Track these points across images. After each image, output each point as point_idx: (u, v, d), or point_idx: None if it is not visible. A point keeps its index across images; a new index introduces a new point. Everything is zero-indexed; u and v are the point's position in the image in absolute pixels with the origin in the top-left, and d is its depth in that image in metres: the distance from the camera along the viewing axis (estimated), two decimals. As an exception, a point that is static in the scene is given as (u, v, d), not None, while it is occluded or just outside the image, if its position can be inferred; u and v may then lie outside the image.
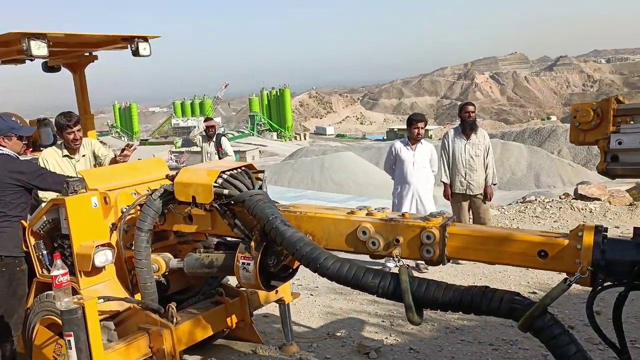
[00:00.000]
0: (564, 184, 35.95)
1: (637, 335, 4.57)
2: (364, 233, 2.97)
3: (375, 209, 3.12)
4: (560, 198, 10.66)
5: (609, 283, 2.55)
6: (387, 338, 4.69)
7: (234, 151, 10.71)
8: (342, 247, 3.08)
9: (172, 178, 3.56)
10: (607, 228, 2.64)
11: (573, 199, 10.05)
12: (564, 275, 2.56)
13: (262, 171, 3.64)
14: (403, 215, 3.00)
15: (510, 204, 11.71)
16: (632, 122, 2.54)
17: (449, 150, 7.22)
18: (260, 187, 3.48)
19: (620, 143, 2.52)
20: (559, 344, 2.48)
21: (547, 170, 40.80)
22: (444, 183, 7.25)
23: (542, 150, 45.48)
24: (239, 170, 3.51)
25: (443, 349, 4.44)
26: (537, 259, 2.68)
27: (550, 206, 9.86)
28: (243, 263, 3.27)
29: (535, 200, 10.84)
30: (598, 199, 9.65)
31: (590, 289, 2.57)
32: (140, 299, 3.57)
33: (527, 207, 10.08)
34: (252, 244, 3.25)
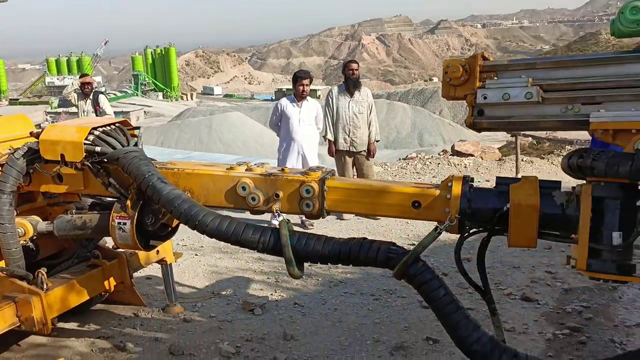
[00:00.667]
0: (444, 142, 37.85)
1: (501, 278, 4.96)
2: (244, 189, 2.94)
3: (254, 164, 3.09)
4: (439, 155, 11.23)
5: (475, 230, 2.72)
6: (272, 294, 4.74)
7: (117, 112, 10.19)
8: (221, 203, 3.04)
9: (37, 135, 3.31)
10: (473, 178, 2.80)
11: (450, 155, 10.64)
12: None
13: (138, 127, 3.48)
14: (282, 170, 3.00)
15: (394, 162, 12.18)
16: (495, 78, 2.69)
17: (333, 108, 7.30)
18: (136, 144, 3.33)
19: (485, 98, 2.64)
20: (429, 289, 2.62)
21: (429, 129, 42.73)
22: (328, 140, 7.35)
23: (425, 111, 47.49)
24: (113, 126, 3.32)
25: (327, 302, 4.57)
26: (412, 210, 2.79)
27: (430, 162, 10.37)
28: (119, 223, 3.13)
29: (416, 157, 11.35)
30: (472, 155, 10.28)
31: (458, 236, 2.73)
32: (4, 266, 3.33)
33: (408, 164, 10.53)
34: (128, 202, 3.11)
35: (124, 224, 3.11)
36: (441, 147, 28.98)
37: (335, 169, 7.36)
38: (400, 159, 12.54)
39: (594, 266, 2.42)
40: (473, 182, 2.76)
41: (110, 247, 3.78)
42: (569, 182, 2.68)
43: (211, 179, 3.03)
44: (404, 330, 4.01)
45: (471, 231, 2.74)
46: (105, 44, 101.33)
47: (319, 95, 53.75)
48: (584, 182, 2.48)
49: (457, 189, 2.66)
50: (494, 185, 2.70)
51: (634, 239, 2.36)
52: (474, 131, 2.84)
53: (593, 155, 2.38)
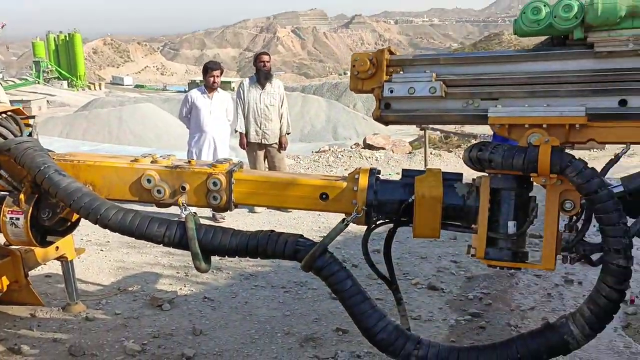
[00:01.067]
0: (358, 135, 38.48)
1: (409, 268, 5.11)
2: (149, 181, 2.84)
3: (160, 156, 3.00)
4: (351, 148, 11.40)
5: (381, 221, 2.78)
6: (181, 289, 4.63)
7: (16, 100, 9.58)
8: (125, 196, 2.92)
9: None
10: (380, 171, 2.85)
11: (362, 148, 10.83)
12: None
13: (33, 117, 3.27)
14: (189, 162, 2.92)
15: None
16: (401, 72, 2.74)
17: (244, 100, 7.22)
18: (30, 134, 3.13)
19: (392, 91, 2.69)
20: (336, 280, 2.64)
21: (343, 123, 43.28)
22: (239, 132, 7.26)
23: (339, 104, 48.04)
24: (4, 115, 3.11)
25: (237, 295, 4.52)
26: (319, 202, 2.80)
27: (342, 155, 10.51)
28: (11, 218, 2.93)
29: (329, 150, 11.48)
30: (383, 148, 10.52)
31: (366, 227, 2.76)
32: None
33: (320, 157, 10.62)
34: (22, 196, 2.93)
35: (17, 219, 2.92)
36: (355, 140, 29.46)
37: (247, 162, 7.30)
38: (313, 151, 12.62)
39: (491, 254, 2.53)
40: (380, 174, 2.81)
41: (2, 244, 3.54)
42: (472, 174, 2.78)
43: (114, 171, 2.91)
44: (314, 322, 4.04)
45: (378, 222, 2.79)
46: (2, 27, 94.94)
47: (233, 88, 53.08)
48: (484, 174, 2.58)
49: (363, 181, 2.70)
50: (400, 177, 2.76)
51: (527, 227, 2.49)
52: (374, 120, 2.89)
53: (491, 149, 2.48)
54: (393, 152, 10.37)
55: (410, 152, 10.48)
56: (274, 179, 2.93)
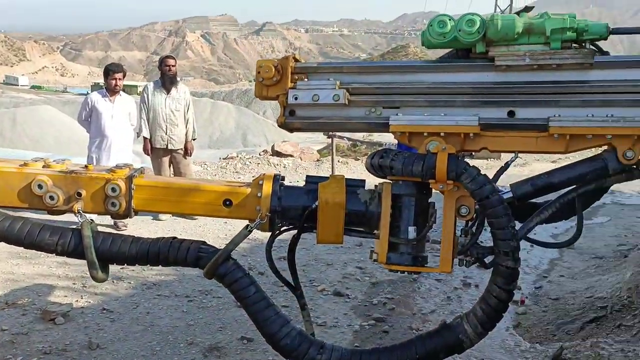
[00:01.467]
0: (268, 142, 38.48)
1: (315, 275, 5.14)
2: (40, 187, 2.67)
3: (54, 161, 2.84)
4: (259, 155, 11.37)
5: (285, 227, 2.78)
6: (77, 301, 4.40)
7: None
8: (13, 203, 2.72)
9: None
10: (284, 177, 2.85)
11: (271, 155, 10.82)
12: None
13: None
14: (86, 167, 2.79)
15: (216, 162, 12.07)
16: (306, 80, 2.76)
17: (148, 104, 7.00)
18: None
19: (296, 98, 2.70)
20: (239, 287, 2.60)
21: (253, 129, 43.17)
22: (143, 137, 7.03)
23: (249, 111, 47.89)
24: None
25: (139, 306, 4.36)
26: (223, 208, 2.75)
27: (250, 162, 10.45)
28: None
29: (237, 156, 11.38)
30: (291, 156, 10.57)
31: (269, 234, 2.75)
32: None
33: (228, 164, 10.50)
34: None
35: None
36: (265, 147, 29.44)
37: (152, 168, 7.09)
38: (220, 158, 12.47)
39: (392, 259, 2.59)
40: (284, 180, 2.81)
41: None
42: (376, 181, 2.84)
43: (0, 176, 2.71)
44: (218, 331, 3.96)
45: (282, 229, 2.78)
46: None
47: (140, 92, 51.58)
48: (386, 180, 2.65)
49: (267, 187, 2.68)
50: (304, 183, 2.77)
51: (426, 232, 2.58)
52: (279, 127, 2.90)
53: (392, 156, 2.55)
54: (301, 159, 10.44)
55: (318, 160, 10.60)
56: (176, 185, 2.85)
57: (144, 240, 2.68)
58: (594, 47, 2.47)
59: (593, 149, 2.58)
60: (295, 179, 8.93)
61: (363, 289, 4.88)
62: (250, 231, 2.65)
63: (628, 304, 4.23)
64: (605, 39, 2.48)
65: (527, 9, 2.66)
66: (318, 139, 23.54)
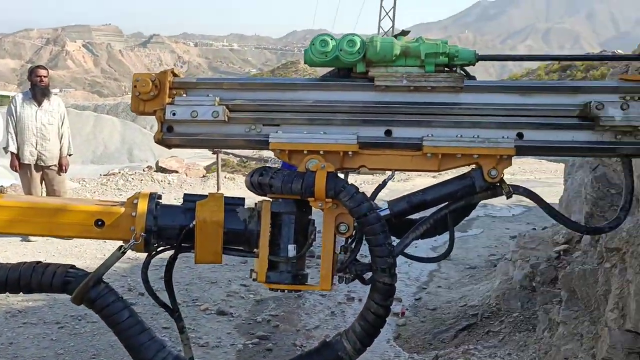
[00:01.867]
0: (155, 157, 37.25)
1: (199, 294, 5.01)
2: None
3: None
4: (143, 171, 10.96)
5: (162, 248, 2.67)
6: None
7: None
8: None
9: None
10: (161, 195, 2.74)
11: (155, 171, 10.46)
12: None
13: None
14: None
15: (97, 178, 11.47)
16: (185, 95, 2.69)
17: (16, 117, 6.52)
18: None
19: (174, 114, 2.61)
20: (111, 312, 2.46)
21: (140, 144, 41.62)
22: (10, 152, 6.52)
23: (135, 125, 46.12)
24: None
25: (1, 335, 4.01)
26: (94, 229, 2.58)
27: (133, 179, 10.04)
28: None
29: (119, 173, 10.89)
30: (176, 172, 10.29)
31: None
32: None
33: (109, 180, 10.02)
34: None
35: None
36: (152, 162, 28.52)
37: (21, 185, 6.60)
38: (100, 174, 11.89)
39: (272, 278, 2.56)
40: (160, 198, 2.70)
41: None
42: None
43: None
44: (92, 359, 3.73)
45: (159, 249, 2.67)
46: None
47: (12, 102, 48.07)
48: (266, 198, 2.63)
49: (142, 206, 2.56)
50: (182, 202, 2.69)
51: (306, 250, 2.58)
52: (155, 143, 2.80)
53: (271, 174, 2.53)
54: (187, 175, 10.19)
55: (204, 176, 10.40)
56: (41, 205, 2.65)
57: (2, 266, 2.46)
58: (462, 72, 2.61)
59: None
60: (180, 195, 8.68)
61: (247, 306, 4.82)
62: (124, 253, 2.51)
63: (496, 311, 4.50)
64: (474, 64, 2.64)
65: (404, 32, 2.76)
66: (206, 155, 23.12)
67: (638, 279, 2.73)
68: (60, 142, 6.73)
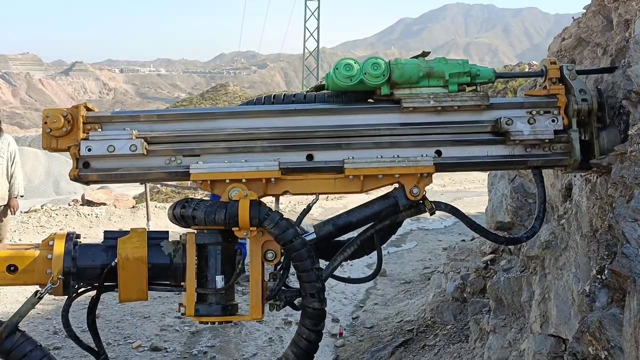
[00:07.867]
0: (84, 189, 35.95)
1: (131, 331, 4.84)
2: None
3: None
4: (69, 205, 10.54)
5: (83, 289, 2.56)
6: None
7: None
8: None
9: None
10: (79, 235, 2.64)
11: (81, 205, 10.08)
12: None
13: None
14: None
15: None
16: (99, 130, 2.61)
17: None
18: None
19: (90, 150, 2.54)
20: (29, 362, 2.34)
21: (66, 176, 39.66)
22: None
23: (60, 156, 44.29)
24: None
25: None
26: (7, 275, 2.47)
27: (57, 214, 9.62)
28: None
29: (41, 209, 10.40)
30: (104, 204, 9.95)
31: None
32: None
33: (30, 217, 9.55)
34: None
35: None
36: (80, 195, 27.51)
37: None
38: (21, 212, 11.33)
39: (201, 311, 2.51)
40: (79, 238, 2.60)
41: None
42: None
43: None
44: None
45: (80, 291, 2.57)
46: None
47: None
48: (191, 230, 2.57)
49: (59, 247, 2.46)
50: (102, 239, 2.60)
51: (235, 280, 2.54)
52: (71, 180, 2.71)
53: (194, 205, 2.49)
54: (115, 207, 9.86)
55: (134, 207, 10.09)
56: (-54, 252, 2.49)
57: None
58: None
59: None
60: (109, 228, 8.37)
61: (182, 339, 4.69)
62: (41, 298, 2.40)
63: (431, 324, 4.58)
64: (493, 82, 2.70)
65: (424, 53, 2.71)
66: (135, 184, 22.57)
67: (557, 284, 2.85)
68: (10, 183, 6.35)
